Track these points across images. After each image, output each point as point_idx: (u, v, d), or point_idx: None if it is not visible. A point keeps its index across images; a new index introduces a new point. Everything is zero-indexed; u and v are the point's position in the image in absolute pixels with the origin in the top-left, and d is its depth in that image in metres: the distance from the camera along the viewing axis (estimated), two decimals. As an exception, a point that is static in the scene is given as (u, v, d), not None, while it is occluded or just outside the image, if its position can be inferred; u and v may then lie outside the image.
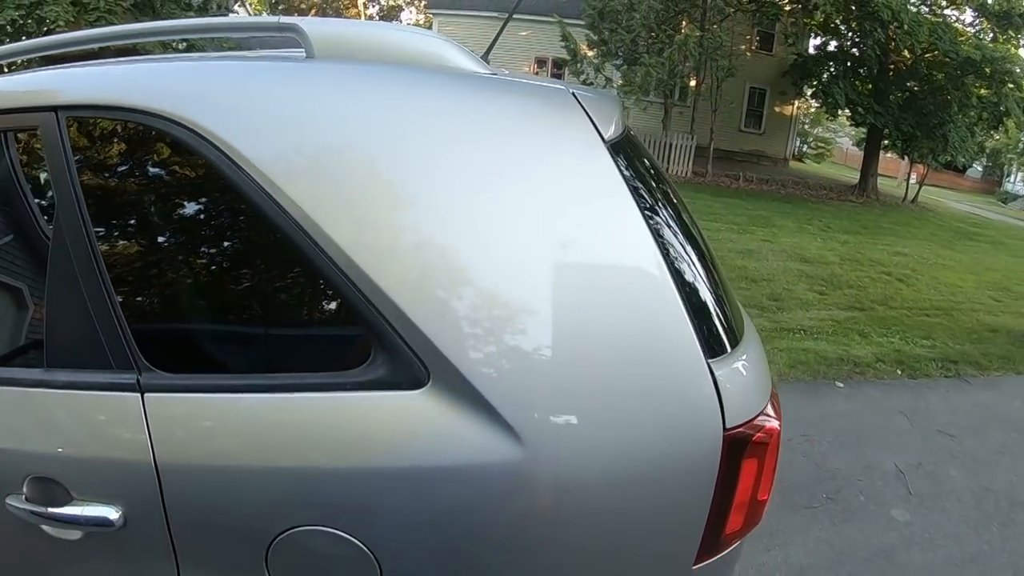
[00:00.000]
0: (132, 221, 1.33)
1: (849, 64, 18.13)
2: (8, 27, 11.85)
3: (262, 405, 1.12)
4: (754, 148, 22.25)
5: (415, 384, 1.07)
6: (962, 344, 6.03)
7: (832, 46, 19.19)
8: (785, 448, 3.66)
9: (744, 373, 1.22)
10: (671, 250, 1.20)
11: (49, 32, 11.86)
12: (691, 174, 17.22)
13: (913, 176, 20.39)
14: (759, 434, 1.17)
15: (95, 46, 1.48)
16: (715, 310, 1.28)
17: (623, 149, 1.24)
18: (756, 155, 21.98)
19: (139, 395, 1.16)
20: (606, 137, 1.16)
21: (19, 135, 1.69)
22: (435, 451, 1.07)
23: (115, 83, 1.28)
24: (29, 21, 12.16)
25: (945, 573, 2.89)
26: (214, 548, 1.20)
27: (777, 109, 22.77)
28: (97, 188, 1.27)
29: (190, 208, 1.28)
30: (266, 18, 1.38)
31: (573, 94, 1.19)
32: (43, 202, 1.81)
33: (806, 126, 31.56)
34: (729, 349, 1.23)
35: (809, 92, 20.33)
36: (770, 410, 1.23)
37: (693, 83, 18.11)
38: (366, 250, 1.07)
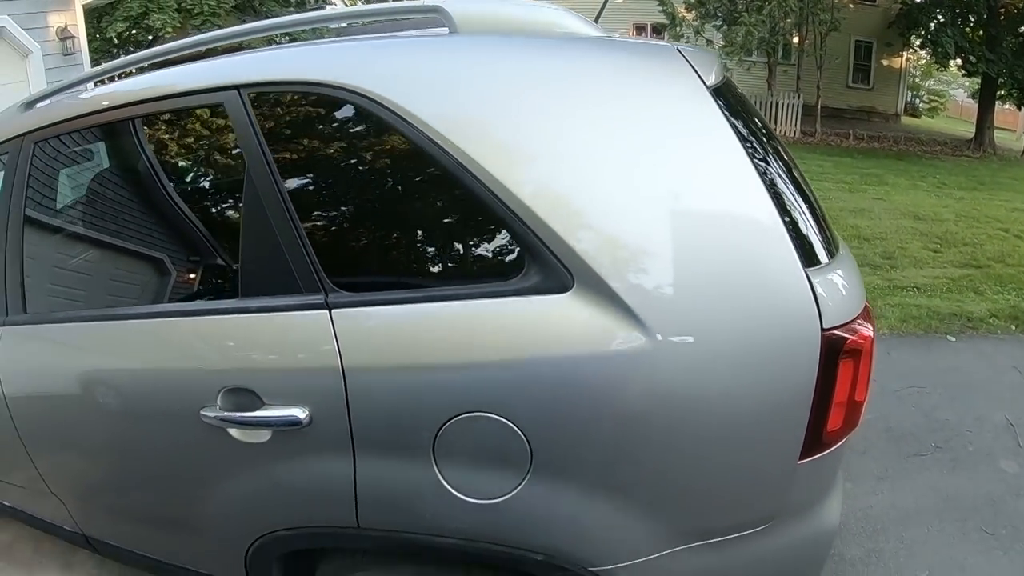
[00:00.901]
0: (315, 173, 1.55)
1: (957, 10, 16.88)
2: (115, 39, 12.28)
3: (436, 312, 1.34)
4: (863, 104, 21.32)
5: (562, 289, 1.27)
6: (1083, 301, 5.72)
7: (938, -9, 17.96)
8: (895, 399, 3.76)
9: (838, 283, 1.36)
10: (770, 177, 1.37)
11: (155, 40, 12.06)
12: (799, 134, 16.73)
13: (1033, 129, 19.07)
14: (853, 338, 1.30)
15: (235, 41, 1.71)
16: (810, 226, 1.43)
17: (723, 93, 1.41)
18: (866, 111, 21.05)
19: (327, 312, 1.39)
20: (708, 84, 1.34)
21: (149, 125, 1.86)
22: (577, 343, 1.27)
23: (285, 63, 1.55)
24: (135, 31, 12.55)
25: (1053, 525, 2.85)
26: (388, 438, 1.40)
27: (885, 63, 21.63)
28: (276, 148, 1.50)
29: (365, 157, 1.51)
30: (411, 2, 1.58)
31: (677, 49, 1.37)
32: (170, 180, 1.95)
33: (917, 79, 29.72)
34: (824, 261, 1.37)
35: (917, 42, 19.11)
36: (864, 320, 1.36)
37: (796, 40, 17.48)
38: (519, 186, 1.29)
